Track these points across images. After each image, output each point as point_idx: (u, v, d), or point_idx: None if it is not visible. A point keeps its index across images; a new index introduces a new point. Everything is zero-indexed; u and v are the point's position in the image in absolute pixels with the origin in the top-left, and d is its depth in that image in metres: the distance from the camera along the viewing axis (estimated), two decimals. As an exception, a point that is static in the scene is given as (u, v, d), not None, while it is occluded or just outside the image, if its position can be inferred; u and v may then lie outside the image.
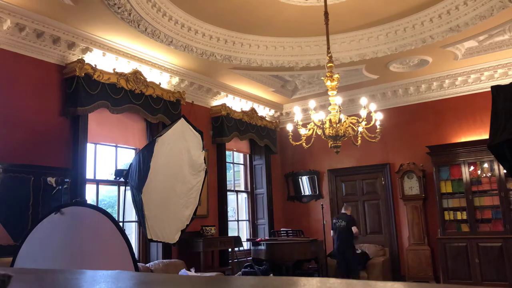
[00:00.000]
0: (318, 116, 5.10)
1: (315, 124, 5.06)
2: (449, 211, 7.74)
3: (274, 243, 7.73)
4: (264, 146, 9.29)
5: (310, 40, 6.85)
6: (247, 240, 8.81)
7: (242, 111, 8.68)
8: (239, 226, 9.01)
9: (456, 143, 7.92)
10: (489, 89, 8.40)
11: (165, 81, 7.14)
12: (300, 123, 5.28)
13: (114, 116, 6.31)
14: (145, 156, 5.30)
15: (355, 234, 7.57)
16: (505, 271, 6.98)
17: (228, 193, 8.41)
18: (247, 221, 9.31)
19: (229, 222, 8.30)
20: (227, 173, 8.51)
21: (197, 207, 5.66)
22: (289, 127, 5.52)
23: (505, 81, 7.67)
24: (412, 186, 8.29)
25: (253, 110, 8.94)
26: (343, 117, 5.08)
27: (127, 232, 6.32)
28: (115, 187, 6.60)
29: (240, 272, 7.57)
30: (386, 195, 8.73)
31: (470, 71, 7.84)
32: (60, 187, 5.43)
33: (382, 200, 8.79)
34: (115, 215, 6.78)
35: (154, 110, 6.67)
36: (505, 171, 6.22)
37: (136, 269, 3.68)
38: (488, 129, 3.08)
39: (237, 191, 9.20)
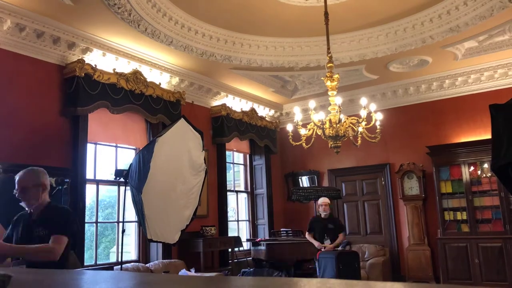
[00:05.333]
0: (318, 116, 5.10)
1: (315, 124, 5.06)
2: (449, 211, 7.74)
3: (274, 243, 7.73)
4: (264, 146, 9.29)
5: (310, 40, 6.85)
6: (247, 240, 8.81)
7: (242, 111, 8.69)
8: (239, 226, 9.01)
9: (456, 143, 7.92)
10: (490, 90, 8.40)
11: (165, 81, 7.14)
12: (300, 123, 5.28)
13: (114, 116, 6.31)
14: (145, 156, 5.31)
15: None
16: (505, 271, 6.98)
17: (228, 193, 8.40)
18: (247, 221, 9.31)
19: (229, 222, 8.29)
20: (227, 173, 8.51)
21: (197, 207, 5.66)
22: (289, 127, 5.52)
23: (505, 81, 7.69)
24: (412, 186, 8.29)
25: (253, 110, 8.95)
26: (343, 117, 5.08)
27: (127, 233, 6.34)
28: (115, 187, 6.61)
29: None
30: (386, 195, 8.73)
31: (470, 71, 7.84)
32: (60, 187, 5.42)
33: (382, 200, 8.79)
34: (115, 216, 6.78)
35: (154, 110, 6.67)
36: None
37: None
38: (488, 129, 3.06)
39: (237, 191, 9.20)
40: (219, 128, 8.09)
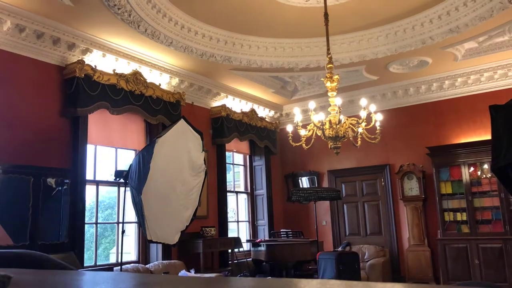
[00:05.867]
0: (318, 117, 5.10)
1: (315, 125, 5.06)
2: (449, 212, 7.73)
3: (274, 244, 7.73)
4: (264, 147, 9.29)
5: (310, 41, 6.86)
6: (247, 241, 8.80)
7: (242, 112, 8.69)
8: (239, 227, 9.01)
9: (456, 144, 7.92)
10: (489, 90, 8.40)
11: (165, 82, 7.14)
12: (300, 124, 5.28)
13: (114, 117, 6.31)
14: (145, 157, 5.30)
15: None
16: (505, 272, 6.98)
17: (228, 194, 8.40)
18: (247, 222, 9.31)
19: (229, 223, 8.29)
20: (227, 174, 8.51)
21: (197, 208, 5.65)
22: (289, 128, 5.52)
23: (505, 82, 7.70)
24: (412, 187, 8.29)
25: (253, 111, 8.95)
26: (343, 118, 5.08)
27: (127, 233, 6.34)
28: (115, 188, 6.60)
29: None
30: (386, 196, 8.73)
31: (470, 72, 7.84)
32: (60, 188, 5.43)
33: (382, 201, 8.78)
34: (114, 216, 6.78)
35: (154, 111, 6.67)
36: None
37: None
38: (487, 130, 3.06)
39: (237, 192, 9.19)
40: (219, 129, 8.09)
